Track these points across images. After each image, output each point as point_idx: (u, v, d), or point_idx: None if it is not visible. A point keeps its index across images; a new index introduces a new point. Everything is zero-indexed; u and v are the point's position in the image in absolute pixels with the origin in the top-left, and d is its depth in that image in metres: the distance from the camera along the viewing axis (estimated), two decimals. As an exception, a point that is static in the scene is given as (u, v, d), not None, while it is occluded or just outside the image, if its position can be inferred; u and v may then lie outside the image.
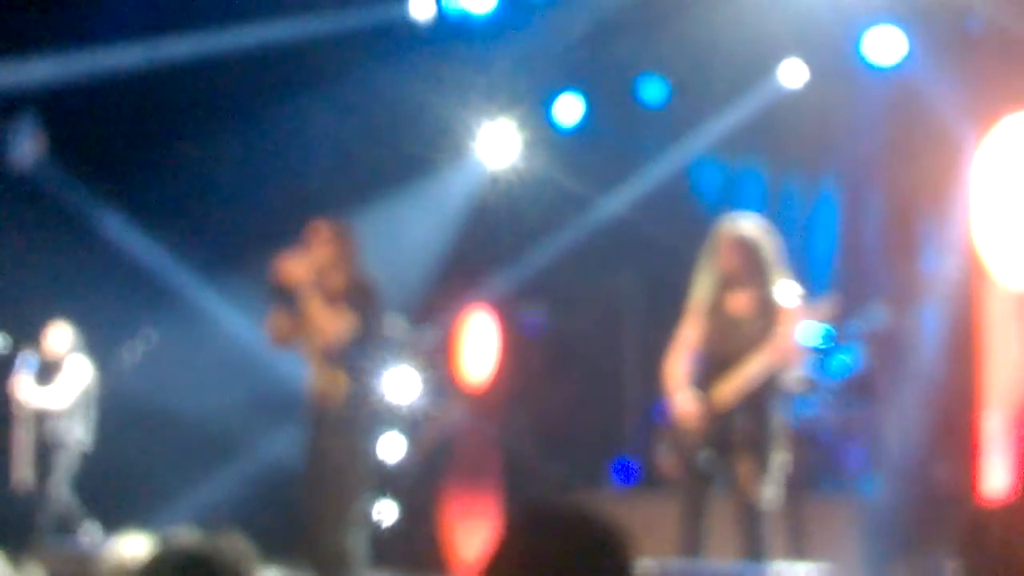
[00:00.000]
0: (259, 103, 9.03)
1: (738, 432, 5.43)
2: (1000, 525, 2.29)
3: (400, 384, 9.12)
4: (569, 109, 9.59)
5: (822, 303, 5.55)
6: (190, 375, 8.80)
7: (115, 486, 8.45)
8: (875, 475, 7.84)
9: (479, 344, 10.05)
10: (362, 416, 5.76)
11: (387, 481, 8.48)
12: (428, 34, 9.15)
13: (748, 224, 5.66)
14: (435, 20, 9.11)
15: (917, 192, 8.02)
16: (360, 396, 5.72)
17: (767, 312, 5.50)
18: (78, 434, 8.14)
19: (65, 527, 8.00)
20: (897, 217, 8.21)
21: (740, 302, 5.58)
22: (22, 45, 8.28)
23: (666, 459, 5.66)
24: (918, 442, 7.98)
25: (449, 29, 9.24)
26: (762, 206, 7.95)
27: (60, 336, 8.22)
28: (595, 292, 9.90)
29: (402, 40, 9.08)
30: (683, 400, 5.54)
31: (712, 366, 5.58)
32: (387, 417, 8.11)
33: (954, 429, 7.77)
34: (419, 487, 9.48)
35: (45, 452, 8.02)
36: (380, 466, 5.85)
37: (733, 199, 8.36)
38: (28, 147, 8.77)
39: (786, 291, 5.57)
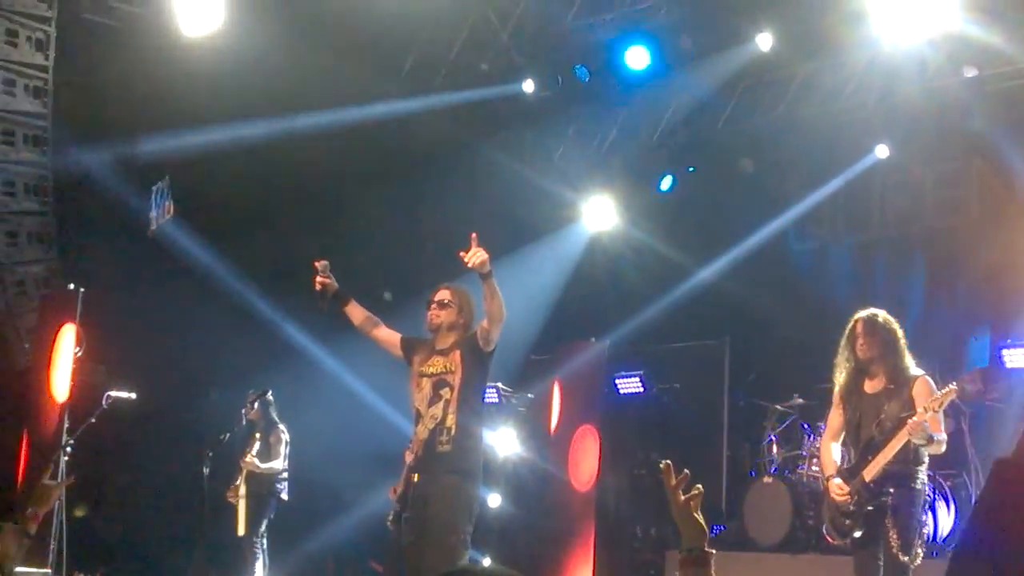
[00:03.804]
0: (377, 173, 9.53)
1: (886, 504, 5.95)
2: None
3: (500, 440, 9.50)
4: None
5: (959, 381, 5.95)
6: (309, 429, 9.23)
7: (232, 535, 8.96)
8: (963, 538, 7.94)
9: (562, 405, 10.28)
10: (468, 462, 5.92)
11: (484, 529, 8.75)
12: (535, 108, 9.58)
13: (879, 313, 6.12)
14: (541, 96, 9.54)
15: (1007, 264, 8.20)
16: (467, 442, 5.91)
17: (902, 393, 5.96)
18: (282, 490, 9.01)
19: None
20: (984, 290, 8.40)
21: (878, 386, 6.02)
22: (159, 121, 8.95)
23: (828, 534, 6.24)
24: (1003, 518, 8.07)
25: (555, 104, 9.66)
26: (851, 279, 8.22)
27: (266, 405, 8.93)
28: (692, 356, 10.16)
29: (509, 117, 9.53)
30: (835, 485, 6.10)
31: (859, 447, 6.11)
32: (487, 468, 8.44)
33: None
34: (515, 540, 9.76)
35: (255, 504, 8.87)
36: (481, 512, 6.05)
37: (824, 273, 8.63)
38: (163, 210, 9.37)
39: (917, 372, 6.00)
